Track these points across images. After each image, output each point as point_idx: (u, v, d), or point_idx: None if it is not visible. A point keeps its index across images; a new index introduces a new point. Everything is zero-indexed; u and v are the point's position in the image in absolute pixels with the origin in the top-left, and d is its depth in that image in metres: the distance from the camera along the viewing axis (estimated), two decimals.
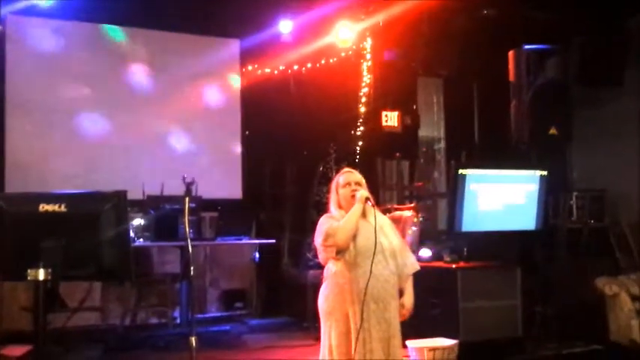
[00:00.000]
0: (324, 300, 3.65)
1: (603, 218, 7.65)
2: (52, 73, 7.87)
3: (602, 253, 7.43)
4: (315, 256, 7.62)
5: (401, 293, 3.67)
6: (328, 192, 3.87)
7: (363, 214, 3.60)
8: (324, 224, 3.62)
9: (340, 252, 3.54)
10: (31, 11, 7.56)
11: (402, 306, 3.64)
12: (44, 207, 2.58)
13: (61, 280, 2.59)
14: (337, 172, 7.47)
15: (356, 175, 3.76)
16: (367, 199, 3.60)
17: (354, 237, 3.54)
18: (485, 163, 6.86)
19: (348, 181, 3.72)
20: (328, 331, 3.60)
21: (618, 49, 7.61)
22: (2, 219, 2.64)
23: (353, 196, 3.63)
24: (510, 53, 7.00)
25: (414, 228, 6.60)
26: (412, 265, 3.72)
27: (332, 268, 3.62)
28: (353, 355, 3.45)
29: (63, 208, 2.59)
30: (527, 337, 6.29)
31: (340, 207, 3.70)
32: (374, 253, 3.46)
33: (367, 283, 3.45)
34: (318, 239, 3.61)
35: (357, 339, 3.44)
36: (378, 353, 3.47)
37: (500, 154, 7.50)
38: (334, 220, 3.62)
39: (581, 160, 8.38)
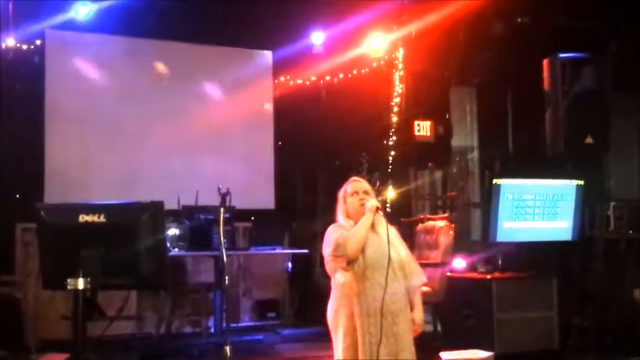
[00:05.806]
0: (331, 313, 3.55)
1: None
2: (90, 85, 8.04)
3: None
4: None
5: (411, 308, 3.53)
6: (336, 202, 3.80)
7: (372, 225, 3.51)
8: (333, 234, 3.54)
9: (349, 263, 3.44)
10: (70, 26, 7.75)
11: (412, 322, 3.50)
12: (84, 217, 2.64)
13: (100, 289, 2.64)
14: (369, 182, 7.56)
15: (364, 184, 3.70)
16: (378, 209, 3.52)
17: (363, 248, 3.44)
18: (520, 172, 6.78)
19: (355, 189, 3.65)
20: (336, 345, 3.51)
21: None
22: (43, 229, 2.71)
23: (362, 205, 3.55)
24: (545, 61, 6.92)
25: (443, 238, 6.54)
26: (419, 276, 3.57)
27: (340, 279, 3.47)
28: None
29: (102, 219, 2.64)
30: (565, 350, 6.18)
31: (348, 216, 3.62)
32: (388, 267, 3.36)
33: (383, 299, 3.34)
34: (326, 249, 3.50)
35: (363, 352, 3.34)
36: None
37: (536, 164, 7.39)
38: (343, 230, 3.53)
39: (619, 170, 8.21)
